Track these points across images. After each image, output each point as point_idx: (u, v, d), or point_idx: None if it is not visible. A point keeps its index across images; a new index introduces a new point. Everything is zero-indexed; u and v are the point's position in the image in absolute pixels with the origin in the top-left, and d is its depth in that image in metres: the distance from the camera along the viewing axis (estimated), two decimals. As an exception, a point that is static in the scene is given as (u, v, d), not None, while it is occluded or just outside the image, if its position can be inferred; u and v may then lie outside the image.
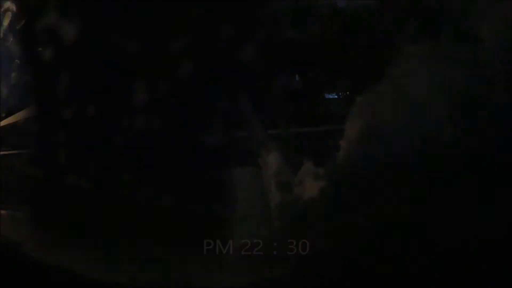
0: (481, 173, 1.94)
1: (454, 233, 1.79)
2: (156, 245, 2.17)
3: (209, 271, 1.94)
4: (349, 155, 2.20)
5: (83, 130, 2.49)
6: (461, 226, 1.79)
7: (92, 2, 2.59)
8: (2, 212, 3.01)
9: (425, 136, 1.99)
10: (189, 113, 2.63)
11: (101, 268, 1.96)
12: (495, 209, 1.81)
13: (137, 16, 2.48)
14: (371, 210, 2.08)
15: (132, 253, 2.11)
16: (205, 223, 2.43)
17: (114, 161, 2.52)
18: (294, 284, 1.80)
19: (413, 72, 2.16)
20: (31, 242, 2.41)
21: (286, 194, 2.33)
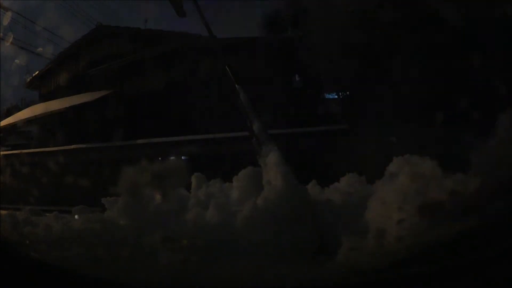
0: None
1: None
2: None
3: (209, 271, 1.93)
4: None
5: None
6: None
7: None
8: (2, 212, 3.01)
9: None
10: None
11: (101, 268, 1.96)
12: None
13: None
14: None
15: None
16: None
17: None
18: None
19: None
20: (31, 242, 2.42)
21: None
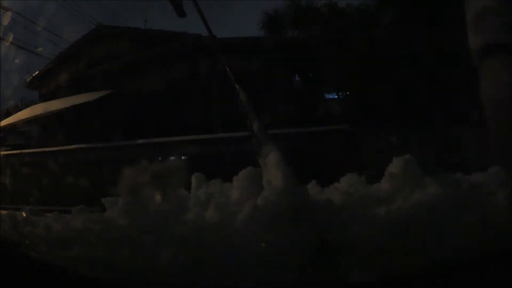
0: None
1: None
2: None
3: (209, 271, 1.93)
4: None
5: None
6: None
7: None
8: (2, 212, 3.00)
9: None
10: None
11: (101, 268, 1.96)
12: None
13: None
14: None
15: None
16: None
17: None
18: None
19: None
20: (31, 242, 2.42)
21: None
